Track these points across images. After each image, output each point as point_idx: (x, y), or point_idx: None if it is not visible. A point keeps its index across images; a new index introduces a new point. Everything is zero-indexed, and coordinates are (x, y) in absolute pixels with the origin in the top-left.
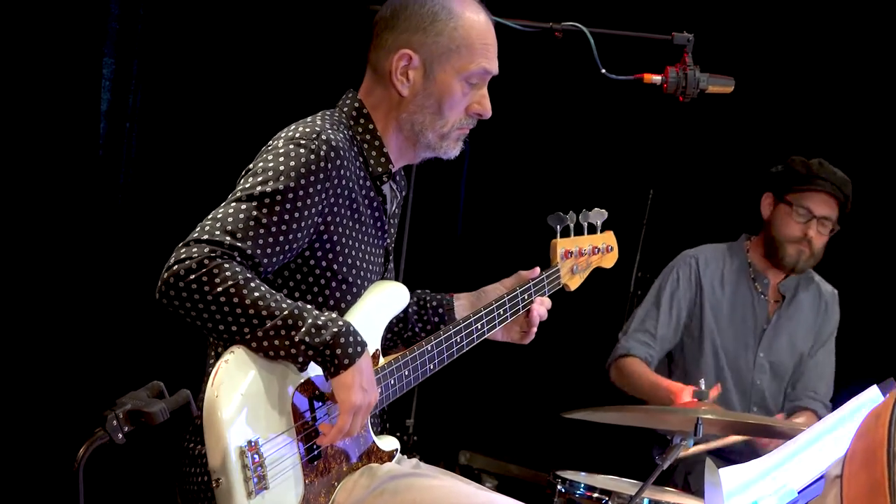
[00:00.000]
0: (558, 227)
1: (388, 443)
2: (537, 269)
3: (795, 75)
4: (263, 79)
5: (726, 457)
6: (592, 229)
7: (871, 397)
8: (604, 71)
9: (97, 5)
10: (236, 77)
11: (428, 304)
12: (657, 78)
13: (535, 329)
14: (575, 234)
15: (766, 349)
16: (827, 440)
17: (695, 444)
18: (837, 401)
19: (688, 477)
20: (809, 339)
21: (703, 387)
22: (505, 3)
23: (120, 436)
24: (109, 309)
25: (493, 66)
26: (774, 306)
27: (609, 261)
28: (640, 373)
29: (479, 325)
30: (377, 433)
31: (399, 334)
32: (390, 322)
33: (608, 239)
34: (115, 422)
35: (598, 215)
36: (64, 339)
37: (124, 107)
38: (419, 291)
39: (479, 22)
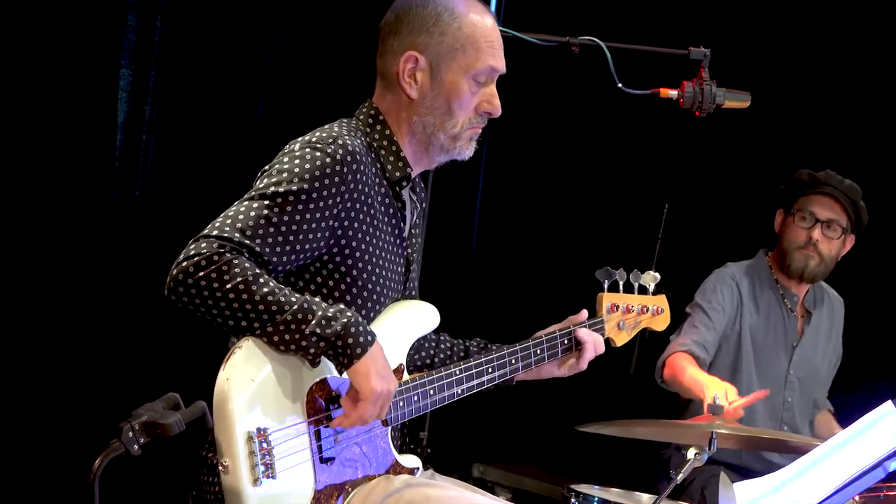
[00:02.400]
0: (606, 281)
1: (411, 460)
2: (584, 313)
3: (812, 90)
4: (280, 91)
5: (741, 471)
6: (643, 290)
7: (886, 411)
8: (620, 85)
9: (114, 17)
10: (253, 89)
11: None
12: (673, 93)
13: (586, 359)
14: (624, 292)
15: (796, 366)
16: (840, 455)
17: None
18: (851, 413)
19: (704, 491)
20: (829, 351)
21: (717, 401)
22: (523, 18)
23: (136, 447)
24: (125, 320)
25: (500, 64)
26: (802, 322)
27: (660, 323)
28: (685, 366)
29: (513, 359)
30: (397, 447)
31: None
32: (441, 349)
33: (660, 301)
34: (130, 433)
35: (651, 278)
36: (79, 349)
37: (141, 118)
38: (478, 339)
39: (482, 21)
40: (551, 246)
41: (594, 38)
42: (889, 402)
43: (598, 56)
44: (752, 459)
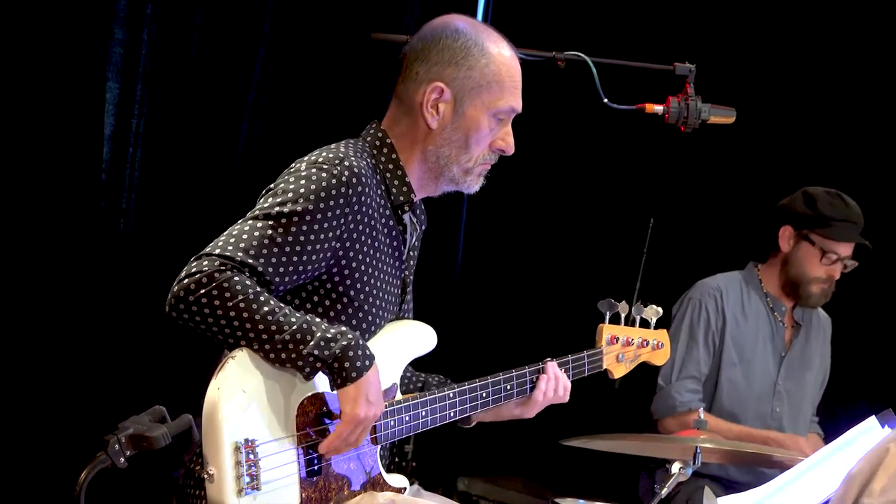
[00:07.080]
0: (608, 312)
1: (398, 480)
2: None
3: (797, 105)
4: (266, 104)
5: (725, 484)
6: (645, 324)
7: (869, 427)
8: (606, 100)
9: (101, 29)
10: (240, 103)
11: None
12: (659, 108)
13: (538, 404)
14: (625, 324)
15: (784, 377)
16: (823, 469)
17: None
18: (835, 429)
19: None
20: (816, 365)
21: (702, 416)
22: (508, 33)
23: (122, 460)
24: (111, 334)
25: (520, 104)
26: (791, 333)
27: (659, 358)
28: (721, 427)
29: (507, 385)
30: (385, 466)
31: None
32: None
33: (660, 336)
34: (117, 446)
35: (654, 312)
36: (66, 364)
37: (128, 131)
38: (438, 375)
39: (508, 59)
40: (537, 260)
41: (580, 53)
42: (873, 417)
43: (583, 71)
44: (738, 473)
